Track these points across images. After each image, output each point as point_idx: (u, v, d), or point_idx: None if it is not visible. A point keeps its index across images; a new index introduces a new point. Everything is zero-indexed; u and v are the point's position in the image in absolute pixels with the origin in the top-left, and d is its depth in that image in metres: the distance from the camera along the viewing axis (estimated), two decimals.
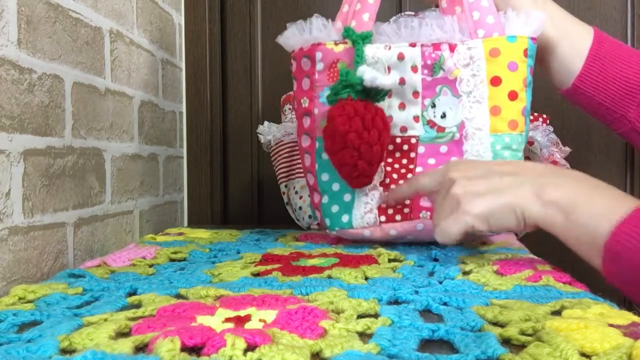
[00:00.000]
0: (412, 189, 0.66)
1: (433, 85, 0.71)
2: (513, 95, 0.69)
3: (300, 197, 0.98)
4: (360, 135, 0.64)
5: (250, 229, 0.94)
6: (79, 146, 0.74)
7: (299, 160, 1.02)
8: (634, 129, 0.72)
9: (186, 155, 1.19)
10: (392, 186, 0.71)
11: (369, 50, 0.69)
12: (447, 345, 0.37)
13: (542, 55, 0.74)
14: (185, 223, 1.19)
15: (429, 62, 0.70)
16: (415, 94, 0.71)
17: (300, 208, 0.97)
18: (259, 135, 1.07)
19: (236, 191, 1.26)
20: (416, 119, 0.71)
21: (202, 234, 0.88)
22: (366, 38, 0.68)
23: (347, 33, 0.69)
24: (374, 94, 0.66)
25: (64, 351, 0.36)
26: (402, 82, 0.70)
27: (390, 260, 0.65)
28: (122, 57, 0.87)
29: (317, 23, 0.71)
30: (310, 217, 0.96)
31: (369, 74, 0.64)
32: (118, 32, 0.86)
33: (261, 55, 1.24)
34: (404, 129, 0.71)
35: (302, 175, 1.01)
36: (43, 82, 0.65)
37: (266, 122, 1.08)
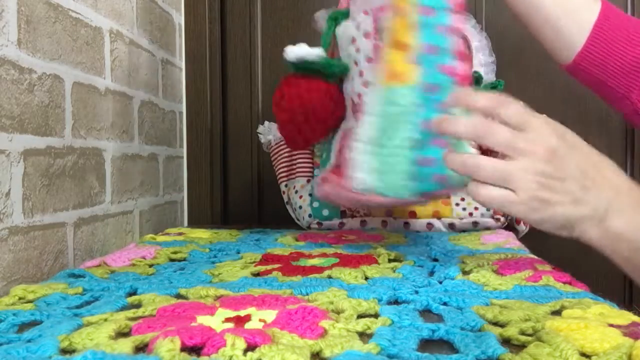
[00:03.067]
0: (491, 108, 0.53)
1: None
2: (397, 45, 0.63)
3: (300, 197, 0.98)
4: (277, 105, 0.74)
5: (250, 229, 0.94)
6: (79, 146, 0.74)
7: (299, 160, 1.02)
8: (636, 110, 0.69)
9: (186, 155, 1.19)
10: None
11: (342, 28, 0.70)
12: (447, 345, 0.37)
13: (540, 28, 0.71)
14: (185, 223, 1.19)
15: (377, 26, 0.68)
16: (369, 59, 0.69)
17: (300, 207, 0.97)
18: (259, 135, 1.07)
19: (236, 191, 1.26)
20: (365, 84, 0.69)
21: (202, 234, 0.88)
22: (336, 18, 0.69)
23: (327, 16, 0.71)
24: (322, 67, 0.70)
25: (64, 351, 0.36)
26: (357, 50, 0.70)
27: (390, 260, 0.65)
28: (122, 57, 0.87)
29: None
30: (310, 216, 0.96)
31: (291, 53, 0.67)
32: (118, 32, 0.86)
33: (261, 55, 1.24)
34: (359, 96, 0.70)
35: (302, 175, 1.01)
36: (43, 82, 0.65)
37: (266, 122, 1.08)
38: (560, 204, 0.49)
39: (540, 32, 0.71)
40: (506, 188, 0.50)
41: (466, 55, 0.64)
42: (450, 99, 0.57)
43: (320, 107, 0.71)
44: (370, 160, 0.65)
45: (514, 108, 0.52)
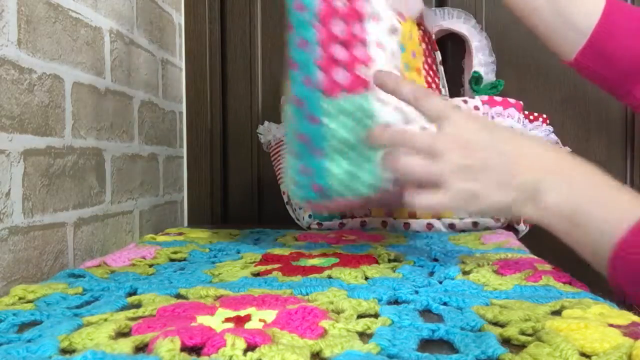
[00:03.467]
0: (414, 99, 0.56)
1: None
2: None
3: None
4: None
5: (250, 229, 0.94)
6: (79, 146, 0.74)
7: None
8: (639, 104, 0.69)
9: (186, 155, 1.19)
10: None
11: None
12: (447, 345, 0.37)
13: (541, 30, 0.71)
14: (185, 223, 1.19)
15: None
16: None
17: (300, 208, 0.97)
18: (259, 135, 1.07)
19: (236, 191, 1.25)
20: None
21: (202, 234, 0.88)
22: None
23: None
24: None
25: (64, 351, 0.36)
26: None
27: (390, 260, 0.65)
28: (122, 57, 0.87)
29: None
30: (310, 216, 0.96)
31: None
32: (118, 32, 0.86)
33: (261, 55, 1.24)
34: None
35: None
36: (43, 82, 0.65)
37: (266, 122, 1.08)
38: (487, 192, 0.51)
39: (542, 32, 0.71)
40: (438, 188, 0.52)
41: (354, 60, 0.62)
42: (376, 79, 0.59)
43: None
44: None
45: (433, 102, 0.54)
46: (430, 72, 0.76)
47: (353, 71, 0.61)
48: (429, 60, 0.76)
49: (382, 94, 0.61)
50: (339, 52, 0.61)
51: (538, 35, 0.72)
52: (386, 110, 0.61)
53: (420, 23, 0.72)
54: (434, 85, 0.72)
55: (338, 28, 0.61)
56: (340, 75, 0.61)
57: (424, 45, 0.74)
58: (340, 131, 0.62)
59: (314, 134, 0.63)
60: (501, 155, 0.51)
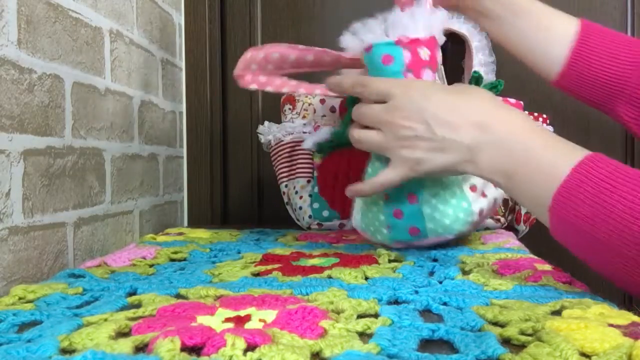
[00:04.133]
0: (356, 88, 0.62)
1: None
2: None
3: (301, 197, 0.97)
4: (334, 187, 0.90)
5: (250, 229, 0.94)
6: (79, 146, 0.74)
7: (300, 161, 1.02)
8: (625, 122, 0.70)
9: (186, 155, 1.19)
10: None
11: None
12: (447, 345, 0.37)
13: (522, 55, 0.73)
14: (185, 223, 1.19)
15: None
16: None
17: (300, 208, 0.97)
18: (259, 135, 1.07)
19: (236, 191, 1.26)
20: None
21: (202, 234, 0.88)
22: (353, 101, 0.69)
23: None
24: (338, 139, 0.85)
25: (64, 351, 0.36)
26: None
27: (390, 261, 0.65)
28: (122, 57, 0.87)
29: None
30: (310, 217, 0.96)
31: (306, 144, 0.85)
32: (118, 32, 0.86)
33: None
34: None
35: (303, 175, 1.01)
36: (43, 82, 0.65)
37: (266, 122, 1.08)
38: (428, 157, 0.56)
39: (524, 59, 0.74)
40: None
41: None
42: (327, 85, 0.67)
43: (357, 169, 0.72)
44: (359, 201, 0.72)
45: (374, 85, 0.61)
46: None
47: None
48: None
49: None
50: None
51: (520, 58, 0.74)
52: None
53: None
54: None
55: (426, 77, 0.66)
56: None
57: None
58: (435, 178, 0.66)
59: (406, 183, 0.64)
60: (437, 122, 0.56)
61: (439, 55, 0.68)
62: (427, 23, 0.66)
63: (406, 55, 0.65)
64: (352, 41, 0.68)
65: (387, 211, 0.68)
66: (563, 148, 0.51)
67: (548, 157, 0.50)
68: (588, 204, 0.46)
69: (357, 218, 0.73)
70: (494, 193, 0.70)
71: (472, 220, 0.68)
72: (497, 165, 0.52)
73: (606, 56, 0.69)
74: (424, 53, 0.65)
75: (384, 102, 0.59)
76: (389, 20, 0.66)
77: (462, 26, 1.03)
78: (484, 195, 0.69)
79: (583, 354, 0.34)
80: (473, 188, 0.68)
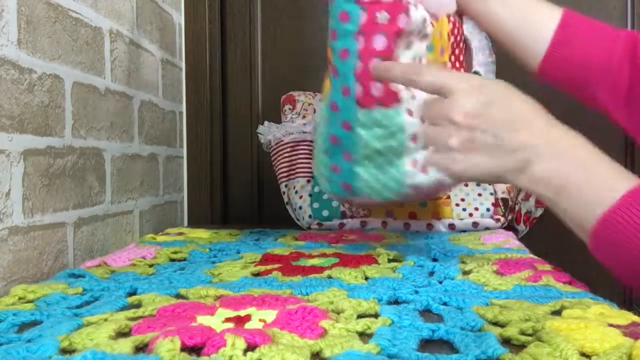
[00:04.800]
0: (408, 76, 0.58)
1: None
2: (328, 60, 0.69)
3: (300, 197, 0.98)
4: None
5: (250, 229, 0.94)
6: (79, 146, 0.74)
7: (299, 161, 1.02)
8: (605, 109, 0.71)
9: (186, 155, 1.19)
10: None
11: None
12: (447, 345, 0.37)
13: (505, 42, 0.73)
14: (185, 223, 1.19)
15: None
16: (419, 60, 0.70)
17: (300, 208, 0.97)
18: (259, 135, 1.07)
19: (236, 191, 1.26)
20: None
21: (202, 234, 0.88)
22: None
23: None
24: None
25: (64, 351, 0.36)
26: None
27: (390, 260, 0.65)
28: (122, 57, 0.87)
29: None
30: (310, 217, 0.96)
31: None
32: (118, 32, 0.86)
33: (261, 55, 1.24)
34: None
35: (302, 175, 1.01)
36: (43, 82, 0.65)
37: (266, 122, 1.08)
38: (477, 160, 0.53)
39: (506, 46, 0.74)
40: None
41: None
42: (372, 69, 0.62)
43: None
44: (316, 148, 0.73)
45: (429, 76, 0.56)
46: (457, 63, 0.77)
47: (388, 85, 0.63)
48: (457, 52, 0.76)
49: (410, 106, 0.64)
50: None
51: (503, 47, 0.75)
52: (414, 122, 0.64)
53: (449, 15, 0.74)
54: None
55: (379, 43, 0.63)
56: (376, 89, 0.64)
57: (452, 39, 0.75)
58: (371, 140, 0.65)
59: (346, 140, 0.66)
60: (497, 125, 0.53)
61: (418, 23, 0.64)
62: None
63: (362, 16, 0.63)
64: None
65: (327, 164, 0.70)
66: (616, 172, 0.51)
67: (605, 171, 0.50)
68: (631, 231, 0.46)
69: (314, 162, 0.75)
70: (440, 175, 0.66)
71: (403, 192, 0.67)
72: (549, 177, 0.51)
73: (587, 41, 0.70)
74: (382, 17, 0.62)
75: (438, 94, 0.56)
76: None
77: (462, 26, 1.03)
78: (424, 171, 0.67)
79: (583, 354, 0.34)
80: (414, 163, 0.66)
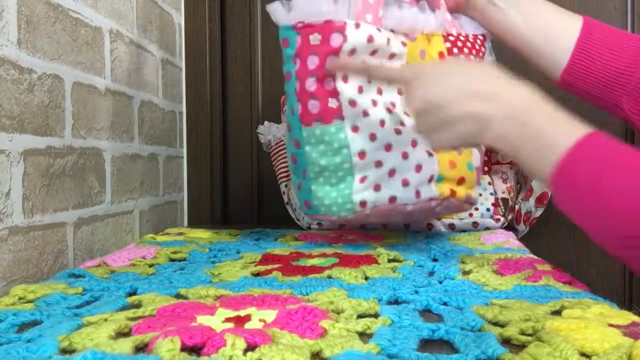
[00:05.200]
0: (369, 70, 0.64)
1: None
2: None
3: None
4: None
5: (250, 229, 0.94)
6: (79, 146, 0.74)
7: None
8: (628, 117, 0.71)
9: (186, 155, 1.19)
10: None
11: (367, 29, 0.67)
12: (447, 345, 0.37)
13: (525, 54, 0.74)
14: (185, 223, 1.19)
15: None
16: None
17: (300, 208, 0.97)
18: (259, 135, 1.07)
19: (236, 191, 1.26)
20: (393, 104, 0.71)
21: (202, 234, 0.88)
22: None
23: None
24: None
25: (64, 351, 0.36)
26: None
27: (390, 260, 0.65)
28: (122, 57, 0.87)
29: None
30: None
31: None
32: (118, 32, 0.86)
33: (261, 55, 1.24)
34: (389, 110, 0.71)
35: None
36: (43, 82, 0.65)
37: (266, 122, 1.08)
38: (441, 137, 0.56)
39: (528, 58, 0.75)
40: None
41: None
42: (329, 64, 0.66)
43: None
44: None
45: (383, 70, 0.62)
46: None
47: (325, 103, 0.67)
48: None
49: (357, 123, 0.67)
50: (311, 85, 0.67)
51: (524, 57, 0.75)
52: (359, 138, 0.67)
53: (449, 33, 0.73)
54: None
55: (312, 63, 0.67)
56: (314, 106, 0.67)
57: (460, 54, 0.74)
58: (317, 157, 0.68)
59: (300, 157, 0.71)
60: (440, 107, 0.56)
61: (362, 42, 0.66)
62: (322, 8, 0.66)
63: (298, 40, 0.67)
64: (274, 12, 0.69)
65: (295, 182, 0.74)
66: (565, 124, 0.53)
67: (550, 133, 0.52)
68: (589, 170, 0.48)
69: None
70: (394, 192, 0.69)
71: (352, 208, 0.69)
72: (503, 137, 0.54)
73: (609, 49, 0.70)
74: (315, 38, 0.66)
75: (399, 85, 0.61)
76: (293, 2, 0.68)
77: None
78: (377, 188, 0.69)
79: (583, 354, 0.34)
80: (363, 179, 0.69)
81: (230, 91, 1.25)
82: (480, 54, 0.74)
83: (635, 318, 0.40)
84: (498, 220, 0.94)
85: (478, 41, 0.75)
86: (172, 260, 0.68)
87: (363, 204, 0.69)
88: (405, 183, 0.69)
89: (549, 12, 0.73)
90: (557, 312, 0.43)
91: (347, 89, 0.67)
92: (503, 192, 0.97)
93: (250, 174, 1.25)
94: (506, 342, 0.37)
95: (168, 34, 1.09)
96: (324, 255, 0.67)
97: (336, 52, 0.66)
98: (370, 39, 0.67)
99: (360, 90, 0.68)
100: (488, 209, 0.94)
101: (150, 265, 0.63)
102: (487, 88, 0.56)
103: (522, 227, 0.97)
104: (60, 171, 0.69)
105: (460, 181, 0.72)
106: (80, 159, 0.74)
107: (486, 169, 0.99)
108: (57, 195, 0.68)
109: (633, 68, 0.69)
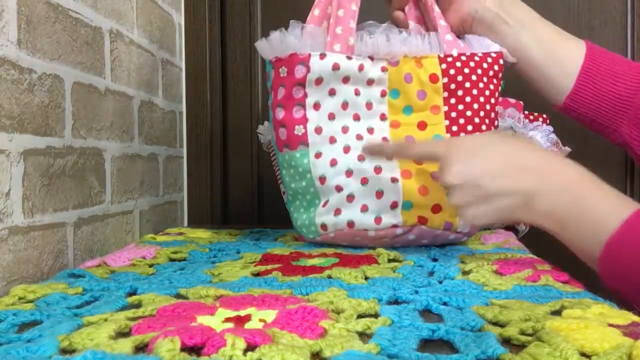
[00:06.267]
0: (400, 152, 0.65)
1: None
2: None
3: None
4: None
5: (250, 229, 0.94)
6: (79, 146, 0.74)
7: None
8: (627, 142, 0.72)
9: (186, 155, 1.19)
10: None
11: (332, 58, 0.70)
12: (447, 345, 0.37)
13: (530, 76, 0.74)
14: (185, 223, 1.19)
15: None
16: (369, 105, 0.72)
17: None
18: (259, 135, 1.07)
19: (236, 191, 1.26)
20: (370, 130, 0.72)
21: (202, 234, 0.88)
22: None
23: None
24: None
25: (64, 351, 0.36)
26: (357, 93, 0.72)
27: (390, 260, 0.65)
28: (122, 57, 0.87)
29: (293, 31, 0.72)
30: None
31: None
32: (118, 32, 0.86)
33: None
34: (359, 137, 0.72)
35: None
36: (43, 82, 0.65)
37: (266, 122, 1.08)
38: (477, 211, 0.56)
39: (532, 80, 0.75)
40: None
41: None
42: (365, 150, 0.68)
43: None
44: None
45: (418, 148, 0.63)
46: (476, 105, 0.73)
47: (291, 131, 0.71)
48: (475, 92, 0.73)
49: (320, 149, 0.71)
50: (279, 113, 0.72)
51: (528, 78, 0.75)
52: (320, 164, 0.71)
53: (448, 55, 0.72)
54: (476, 118, 0.72)
55: (280, 93, 0.72)
56: (282, 134, 0.72)
57: (459, 75, 0.72)
58: (289, 180, 0.74)
59: (282, 180, 0.77)
60: (479, 180, 0.56)
61: (326, 71, 0.69)
62: (290, 43, 0.70)
63: (272, 73, 0.73)
64: (260, 49, 0.74)
65: (286, 202, 0.80)
66: (614, 201, 0.53)
67: (600, 210, 0.52)
68: (634, 255, 0.48)
69: None
70: (352, 217, 0.71)
71: (316, 230, 0.73)
72: (550, 213, 0.53)
73: (613, 76, 0.71)
74: (283, 71, 0.71)
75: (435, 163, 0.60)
76: (270, 38, 0.73)
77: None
78: (337, 212, 0.71)
79: (583, 354, 0.34)
80: (325, 203, 0.72)
81: (230, 91, 1.25)
82: (492, 72, 0.73)
83: (635, 318, 0.40)
84: None
85: (489, 59, 0.73)
86: (172, 260, 0.68)
87: (324, 227, 0.72)
88: (364, 209, 0.70)
89: (555, 35, 0.73)
90: (557, 312, 0.43)
91: (316, 116, 0.71)
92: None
93: (250, 174, 1.25)
94: (506, 342, 0.37)
95: (168, 34, 1.09)
96: (324, 255, 0.67)
97: (301, 82, 0.70)
98: (335, 67, 0.70)
99: (331, 117, 0.71)
100: None
101: (150, 265, 0.63)
102: (532, 162, 0.55)
103: (522, 227, 0.97)
104: (60, 171, 0.69)
105: (436, 209, 0.70)
106: (80, 159, 0.74)
107: None
108: (57, 195, 0.68)
109: (634, 94, 0.69)
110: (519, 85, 1.12)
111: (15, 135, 0.60)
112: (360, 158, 0.70)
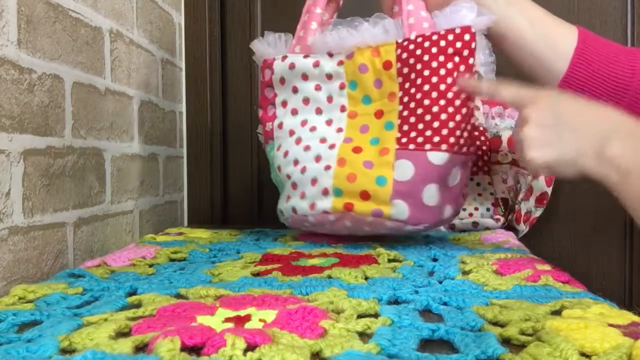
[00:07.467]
0: (491, 92, 0.66)
1: None
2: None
3: None
4: None
5: (250, 229, 0.94)
6: (79, 146, 0.74)
7: None
8: None
9: (186, 155, 1.19)
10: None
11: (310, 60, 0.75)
12: (447, 345, 0.37)
13: (522, 58, 0.73)
14: (185, 223, 1.19)
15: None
16: (329, 98, 0.76)
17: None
18: (258, 135, 1.07)
19: (236, 191, 1.25)
20: (328, 122, 0.75)
21: (202, 234, 0.88)
22: None
23: None
24: None
25: (64, 351, 0.36)
26: (317, 88, 0.76)
27: (390, 260, 0.65)
28: (122, 57, 0.87)
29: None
30: None
31: None
32: (118, 32, 0.86)
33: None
34: (313, 129, 0.76)
35: None
36: (43, 82, 0.65)
37: None
38: (550, 148, 0.57)
39: (525, 64, 0.74)
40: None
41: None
42: (460, 85, 0.68)
43: None
44: None
45: (507, 91, 0.63)
46: (427, 86, 0.69)
47: (265, 127, 0.80)
48: (427, 73, 0.70)
49: (281, 142, 0.78)
50: (260, 113, 0.81)
51: (519, 61, 0.74)
52: (279, 155, 0.77)
53: (406, 38, 0.70)
54: (442, 101, 0.69)
55: (260, 95, 0.81)
56: (261, 130, 0.82)
57: (419, 65, 0.69)
58: (271, 173, 0.82)
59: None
60: (565, 120, 0.57)
61: (285, 70, 0.76)
62: (263, 51, 0.78)
63: (259, 76, 0.80)
64: (258, 49, 0.80)
65: None
66: None
67: None
68: None
69: None
70: (295, 203, 0.74)
71: (281, 216, 0.78)
72: (620, 159, 0.53)
73: (606, 58, 0.70)
74: (260, 76, 0.80)
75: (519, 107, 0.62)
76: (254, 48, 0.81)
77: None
78: (287, 199, 0.76)
79: (583, 354, 0.34)
80: (294, 185, 0.75)
81: (230, 91, 1.24)
82: (451, 49, 0.68)
83: (635, 318, 0.40)
84: (498, 220, 0.94)
85: (450, 36, 0.68)
86: (172, 260, 0.68)
87: (281, 212, 0.78)
88: (303, 196, 0.73)
89: (547, 18, 0.72)
90: (557, 312, 0.43)
91: (282, 113, 0.78)
92: (503, 192, 0.97)
93: (250, 174, 1.25)
94: (506, 342, 0.37)
95: (168, 34, 1.09)
96: (324, 255, 0.67)
97: (269, 83, 0.78)
98: (291, 66, 0.76)
99: (294, 112, 0.77)
100: (488, 209, 0.94)
101: (150, 265, 0.63)
102: (609, 110, 0.58)
103: (522, 227, 0.97)
104: (60, 171, 0.69)
105: (364, 195, 0.69)
106: (80, 159, 0.74)
107: (486, 169, 0.99)
108: (57, 195, 0.68)
109: (630, 78, 0.69)
110: (519, 86, 1.13)
111: (15, 135, 0.60)
112: (306, 148, 0.74)
